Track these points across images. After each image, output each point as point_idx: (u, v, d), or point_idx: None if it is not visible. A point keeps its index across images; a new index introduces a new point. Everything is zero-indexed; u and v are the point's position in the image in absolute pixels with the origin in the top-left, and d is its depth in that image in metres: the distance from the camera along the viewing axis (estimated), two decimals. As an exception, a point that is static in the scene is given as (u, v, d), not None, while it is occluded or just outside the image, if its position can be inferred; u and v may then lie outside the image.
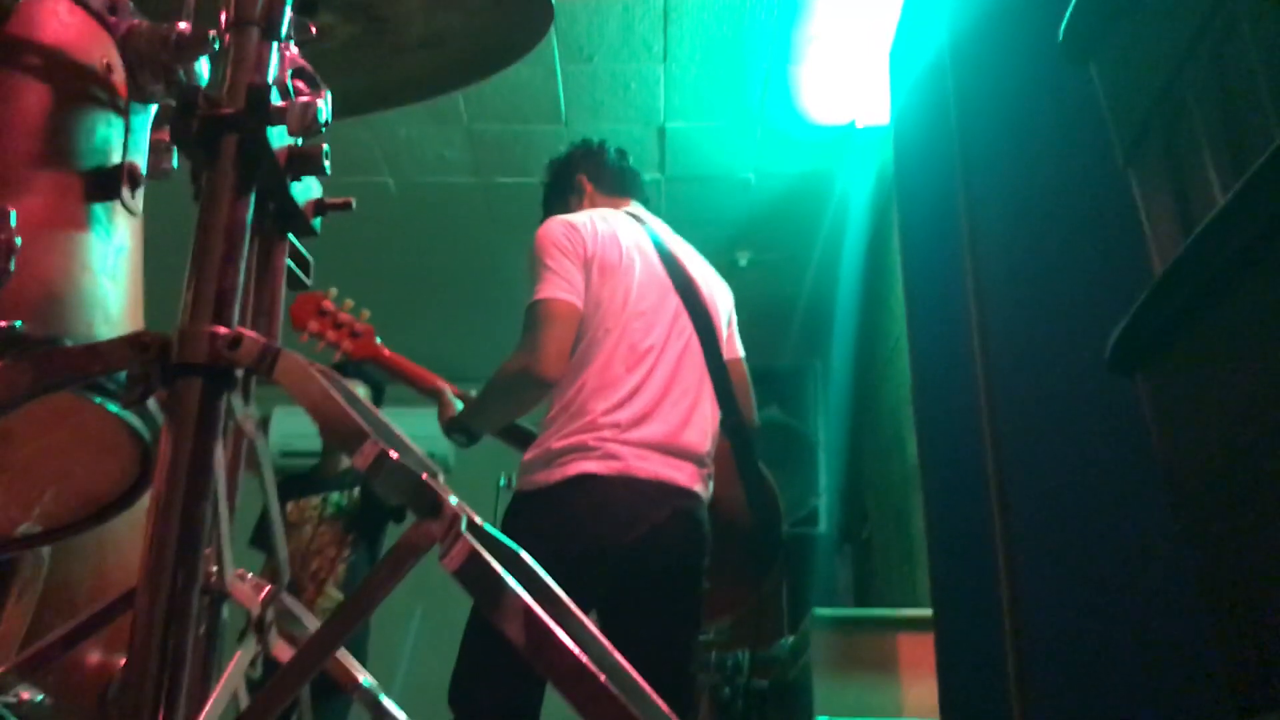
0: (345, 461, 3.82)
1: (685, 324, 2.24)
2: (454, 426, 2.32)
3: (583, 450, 2.03)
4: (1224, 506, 0.72)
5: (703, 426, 2.18)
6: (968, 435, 1.52)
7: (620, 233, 2.24)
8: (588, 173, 2.45)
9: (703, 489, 2.15)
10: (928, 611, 1.90)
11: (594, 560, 1.97)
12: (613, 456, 2.03)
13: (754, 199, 4.39)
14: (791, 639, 3.23)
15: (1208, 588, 0.75)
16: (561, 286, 2.10)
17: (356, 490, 3.71)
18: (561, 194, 2.46)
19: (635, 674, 0.77)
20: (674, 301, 2.25)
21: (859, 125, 3.91)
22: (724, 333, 2.34)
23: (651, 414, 2.10)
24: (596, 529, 1.98)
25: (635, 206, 2.42)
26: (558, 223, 2.21)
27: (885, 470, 4.23)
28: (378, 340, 2.51)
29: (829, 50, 3.54)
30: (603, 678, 0.64)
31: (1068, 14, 0.90)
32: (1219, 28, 0.73)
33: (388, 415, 0.79)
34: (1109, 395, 1.05)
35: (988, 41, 1.61)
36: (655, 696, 0.76)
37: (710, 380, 2.24)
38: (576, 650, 0.64)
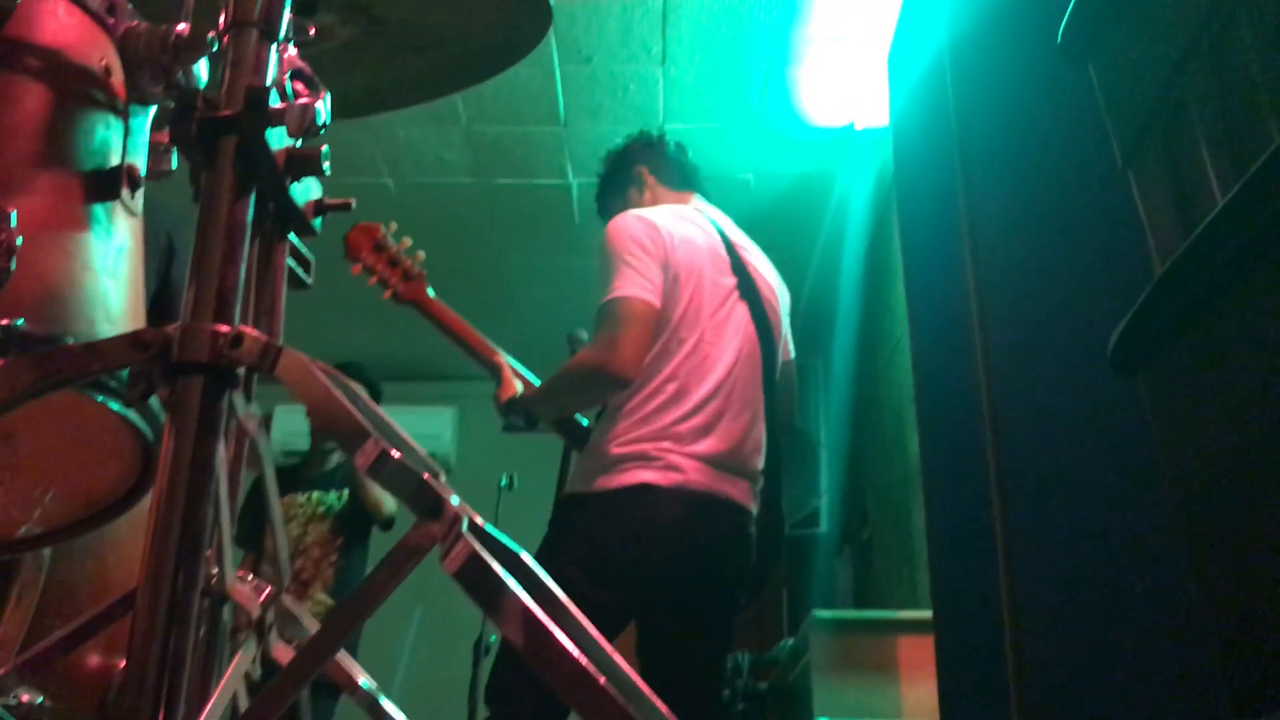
0: (332, 461, 3.81)
1: (750, 333, 2.22)
2: (515, 408, 2.27)
3: (644, 459, 2.01)
4: (1225, 507, 0.72)
5: (757, 440, 2.17)
6: (969, 436, 1.52)
7: (695, 235, 2.22)
8: (648, 164, 2.41)
9: (753, 505, 2.14)
10: (928, 613, 1.90)
11: (644, 570, 1.95)
12: (674, 468, 2.01)
13: (754, 200, 4.38)
14: (791, 641, 3.22)
15: (1208, 588, 0.75)
16: (641, 285, 2.06)
17: (345, 490, 3.69)
18: (620, 186, 2.42)
19: (635, 676, 0.77)
20: (742, 311, 2.22)
21: (858, 126, 3.91)
22: (782, 341, 2.33)
23: (714, 427, 2.08)
24: (651, 540, 1.97)
25: (699, 201, 2.39)
26: (635, 219, 2.17)
27: (886, 471, 4.23)
28: (429, 291, 2.41)
29: (828, 52, 3.54)
30: (603, 680, 0.63)
31: (1067, 14, 0.90)
32: (1219, 28, 0.73)
33: (389, 414, 0.79)
34: (1110, 395, 1.05)
35: (987, 42, 1.61)
36: (655, 699, 0.76)
37: (765, 393, 2.22)
38: (576, 653, 0.64)
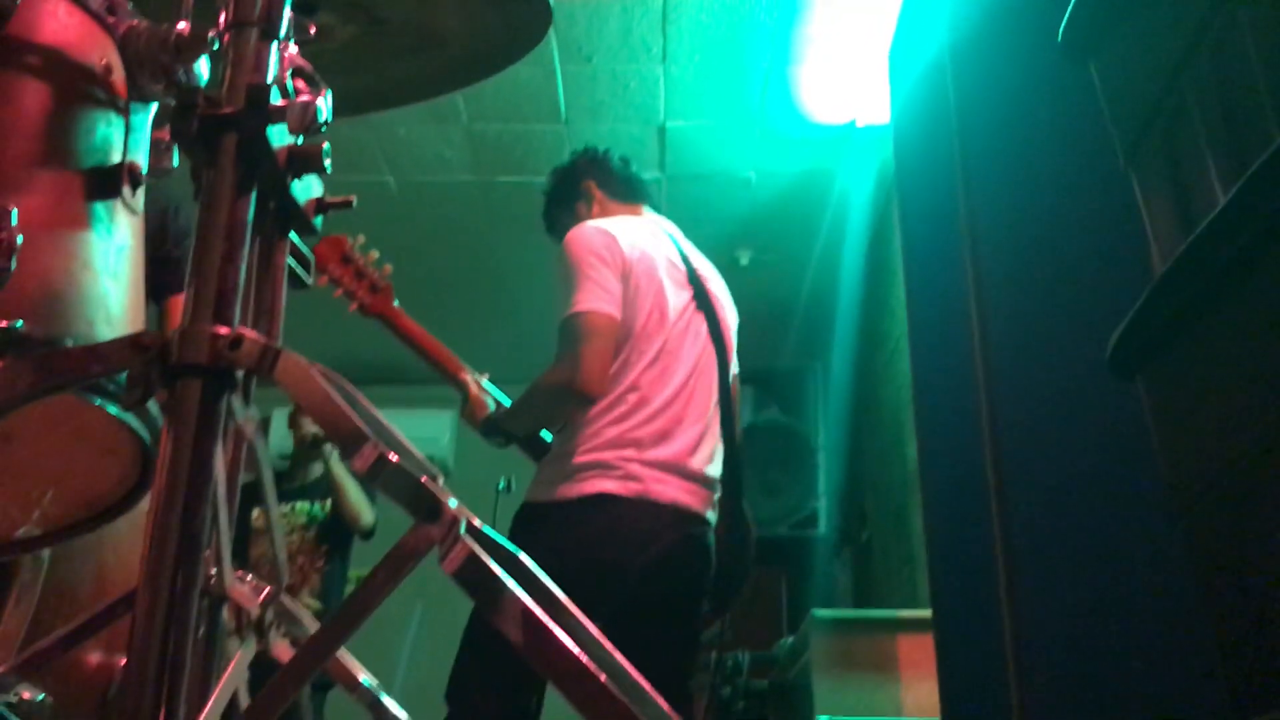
0: (315, 471, 3.83)
1: (706, 344, 2.23)
2: (492, 429, 2.28)
3: (603, 468, 2.01)
4: (1224, 508, 0.72)
5: (713, 449, 2.18)
6: (968, 437, 1.52)
7: (652, 245, 2.22)
8: (596, 179, 2.41)
9: (712, 513, 2.15)
10: (927, 613, 1.90)
11: (606, 579, 1.95)
12: (633, 478, 2.01)
13: (754, 198, 4.38)
14: (791, 639, 3.23)
15: (1207, 588, 0.75)
16: (602, 298, 2.06)
17: (329, 500, 3.71)
18: (568, 201, 2.43)
19: (636, 674, 0.77)
20: (699, 321, 2.23)
21: (859, 124, 3.91)
22: (733, 355, 2.34)
23: (671, 435, 2.08)
24: (611, 549, 1.97)
25: (649, 213, 2.40)
26: (594, 230, 2.17)
27: (885, 472, 4.23)
28: (395, 302, 2.39)
29: (829, 50, 3.54)
30: (603, 678, 0.64)
31: (1067, 14, 0.90)
32: (1219, 28, 0.73)
33: (387, 418, 0.79)
34: (1109, 396, 1.05)
35: (988, 41, 1.61)
36: (657, 696, 0.76)
37: (720, 405, 2.23)
38: (577, 650, 0.64)
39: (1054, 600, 1.28)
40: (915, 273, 2.06)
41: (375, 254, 2.39)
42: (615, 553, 1.97)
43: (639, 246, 2.18)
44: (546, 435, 2.31)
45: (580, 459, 2.02)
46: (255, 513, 3.67)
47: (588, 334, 2.04)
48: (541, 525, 2.01)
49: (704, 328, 2.24)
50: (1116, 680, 1.11)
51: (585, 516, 1.98)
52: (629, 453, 2.03)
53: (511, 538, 2.01)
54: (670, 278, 2.21)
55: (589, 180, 2.41)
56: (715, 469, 2.18)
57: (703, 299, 2.27)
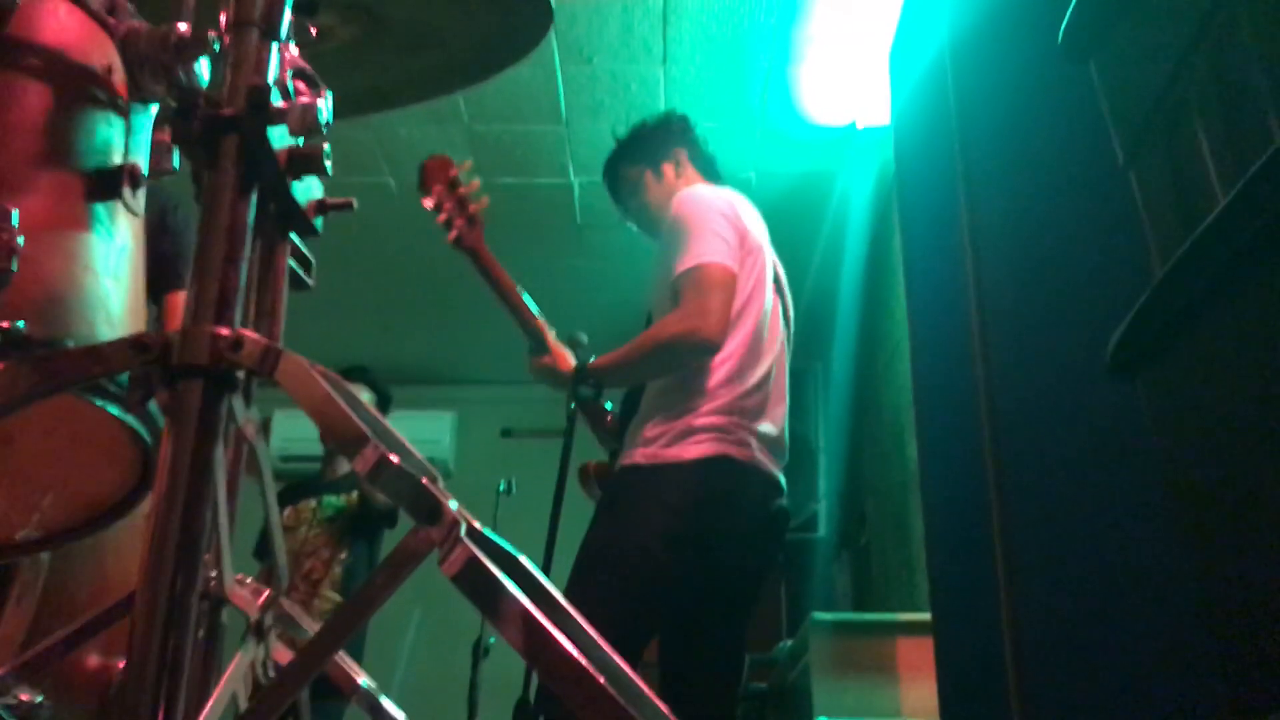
0: (345, 466, 3.84)
1: (783, 328, 2.29)
2: (584, 377, 2.19)
3: (720, 432, 2.02)
4: (1224, 508, 0.72)
5: (785, 426, 2.22)
6: (968, 438, 1.52)
7: (758, 226, 2.25)
8: (688, 149, 2.40)
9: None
10: (926, 616, 1.90)
11: (717, 540, 1.98)
12: (746, 445, 2.04)
13: (754, 199, 4.33)
14: (790, 642, 3.22)
15: (1207, 589, 0.75)
16: (725, 252, 2.06)
17: (355, 493, 3.72)
18: (653, 158, 2.38)
19: (635, 676, 0.77)
20: (778, 304, 2.29)
21: (859, 126, 3.91)
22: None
23: (766, 407, 2.12)
24: (723, 512, 1.99)
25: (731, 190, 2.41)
26: (715, 193, 2.19)
27: (885, 474, 4.22)
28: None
29: (829, 51, 3.54)
30: (602, 680, 0.63)
31: (1068, 14, 0.90)
32: (1219, 28, 0.73)
33: (388, 418, 0.79)
34: (1109, 397, 1.05)
35: (988, 42, 1.61)
36: (654, 697, 0.76)
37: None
38: (575, 653, 0.64)
39: (1054, 602, 1.28)
40: (915, 274, 2.06)
41: (478, 183, 2.31)
42: (731, 515, 2.01)
43: (749, 217, 2.22)
44: (608, 405, 2.30)
45: (695, 421, 2.02)
46: (286, 511, 3.69)
47: (712, 285, 2.02)
48: (652, 485, 2.00)
49: (781, 312, 2.29)
50: (1116, 681, 1.11)
51: (704, 477, 1.99)
52: (738, 419, 2.05)
53: (616, 499, 2.03)
54: (769, 256, 2.25)
55: (680, 147, 2.40)
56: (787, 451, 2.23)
57: (777, 285, 2.32)
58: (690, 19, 3.43)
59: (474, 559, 0.67)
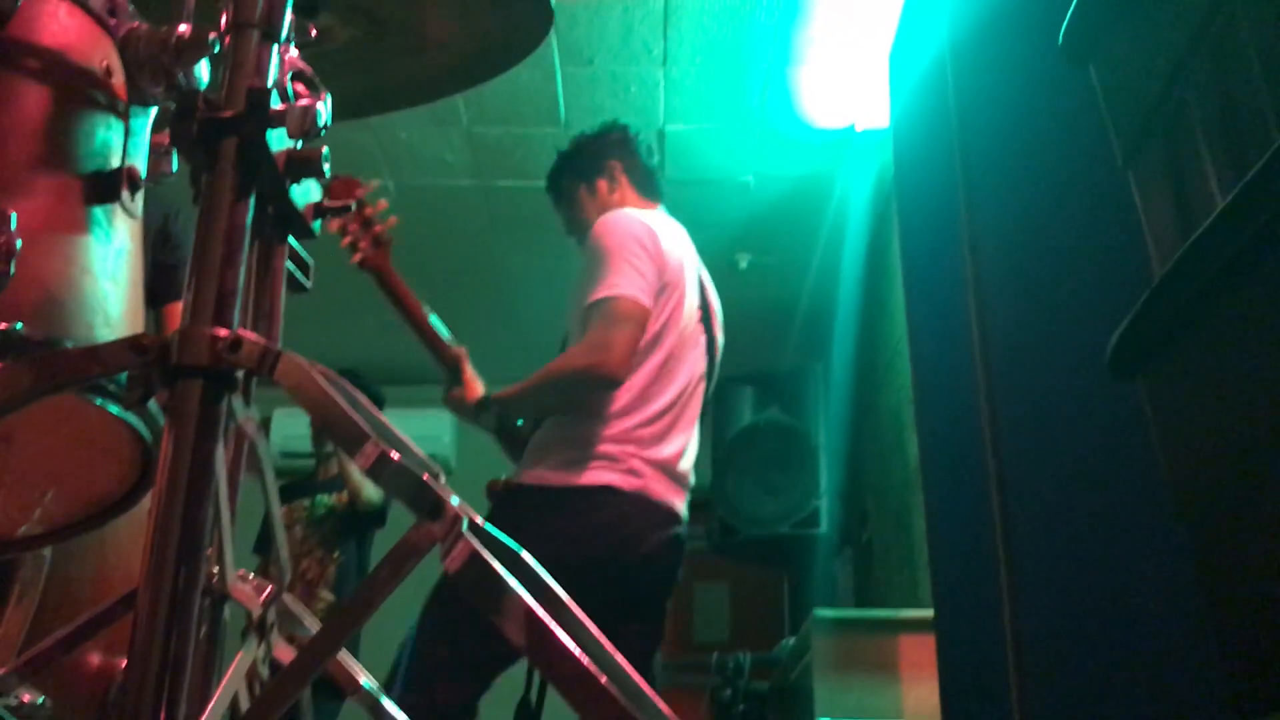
0: (335, 467, 3.86)
1: (703, 356, 2.24)
2: (486, 407, 2.17)
3: (609, 460, 2.01)
4: (1224, 508, 0.72)
5: (692, 455, 2.21)
6: (968, 437, 1.52)
7: (682, 250, 2.20)
8: (624, 162, 2.33)
9: (686, 514, 2.18)
10: (929, 613, 1.90)
11: (594, 571, 1.95)
12: (634, 473, 2.02)
13: (754, 201, 4.38)
14: (792, 640, 3.22)
15: (1208, 589, 0.75)
16: (639, 285, 2.03)
17: (345, 492, 3.74)
18: (587, 174, 2.34)
19: (637, 676, 0.77)
20: (700, 333, 2.24)
21: (859, 128, 3.91)
22: (716, 369, 2.35)
23: (667, 436, 2.10)
24: (605, 542, 1.98)
25: (662, 212, 2.35)
26: (636, 220, 2.14)
27: (886, 472, 4.23)
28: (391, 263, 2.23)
29: (828, 53, 3.54)
30: (604, 679, 0.63)
31: (1068, 15, 0.90)
32: (1219, 28, 0.73)
33: (389, 418, 0.79)
34: (1109, 396, 1.05)
35: (988, 43, 1.61)
36: (656, 698, 0.76)
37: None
38: (578, 652, 0.64)
39: (1054, 600, 1.28)
40: (915, 274, 2.06)
41: (384, 203, 2.24)
42: (609, 546, 1.99)
43: (675, 249, 2.17)
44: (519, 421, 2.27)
45: (586, 448, 2.01)
46: (280, 511, 3.69)
47: (620, 319, 2.00)
48: (531, 508, 2.00)
49: (703, 339, 2.25)
50: (1116, 680, 1.11)
51: (582, 506, 1.98)
52: (631, 448, 2.03)
53: (497, 517, 2.01)
54: (690, 284, 2.20)
55: (616, 160, 2.34)
56: (692, 477, 2.20)
57: (705, 311, 2.27)
58: (691, 20, 3.43)
59: (476, 554, 0.67)
